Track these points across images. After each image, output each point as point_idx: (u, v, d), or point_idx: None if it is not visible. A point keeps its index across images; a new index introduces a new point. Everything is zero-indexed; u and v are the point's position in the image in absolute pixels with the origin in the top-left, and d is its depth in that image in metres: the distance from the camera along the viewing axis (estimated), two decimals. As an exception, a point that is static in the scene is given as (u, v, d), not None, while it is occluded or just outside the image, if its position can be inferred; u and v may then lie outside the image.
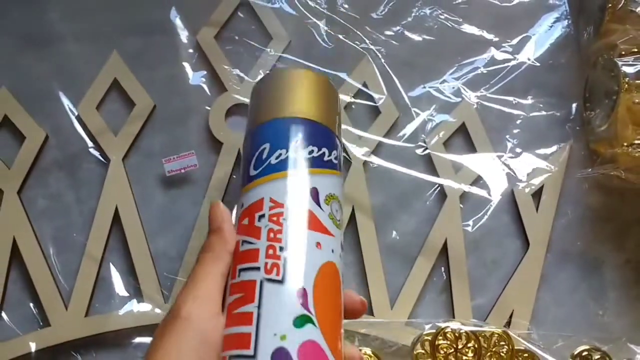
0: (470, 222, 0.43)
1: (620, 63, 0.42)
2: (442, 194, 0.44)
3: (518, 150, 0.45)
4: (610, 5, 0.44)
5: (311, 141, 0.29)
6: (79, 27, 0.47)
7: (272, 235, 0.26)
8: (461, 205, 0.44)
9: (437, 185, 0.44)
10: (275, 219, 0.27)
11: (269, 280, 0.25)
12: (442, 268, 0.43)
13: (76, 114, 0.44)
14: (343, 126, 0.44)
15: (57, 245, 0.41)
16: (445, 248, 0.42)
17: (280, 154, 0.29)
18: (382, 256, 0.42)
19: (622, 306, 0.42)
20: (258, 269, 0.26)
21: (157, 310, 0.40)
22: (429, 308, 0.42)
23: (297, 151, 0.29)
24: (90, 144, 0.44)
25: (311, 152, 0.29)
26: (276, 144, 0.29)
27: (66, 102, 0.45)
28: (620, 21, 0.43)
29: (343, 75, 0.46)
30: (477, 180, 0.44)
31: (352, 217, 0.42)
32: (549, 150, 0.45)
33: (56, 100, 0.45)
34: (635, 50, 0.42)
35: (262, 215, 0.27)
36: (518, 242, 0.43)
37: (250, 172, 0.29)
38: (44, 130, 0.43)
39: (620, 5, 0.43)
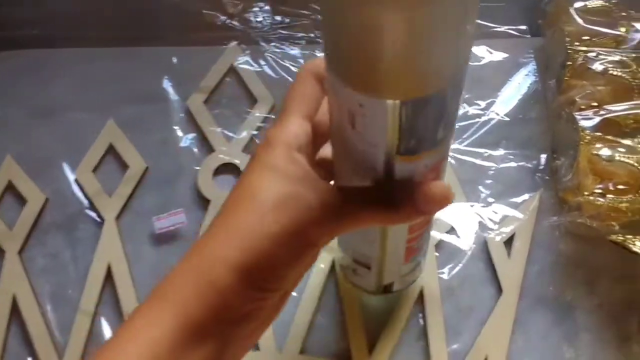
0: (446, 270, 0.45)
1: (578, 117, 0.44)
2: (418, 244, 0.46)
3: (490, 200, 0.47)
4: (569, 62, 0.47)
5: None
6: (80, 98, 0.51)
7: None
8: (436, 254, 0.46)
9: (412, 235, 0.46)
10: None
11: None
12: (420, 315, 0.44)
13: (74, 177, 0.48)
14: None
15: (53, 301, 0.44)
16: (421, 295, 0.44)
17: None
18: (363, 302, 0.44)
19: (595, 349, 0.43)
20: None
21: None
22: (407, 354, 0.43)
23: None
24: (87, 204, 0.47)
25: None
26: None
27: (66, 167, 0.48)
28: (579, 77, 0.46)
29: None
30: (451, 230, 0.47)
31: (333, 269, 0.45)
32: (519, 199, 0.47)
33: (58, 166, 0.48)
34: (594, 104, 0.45)
35: None
36: (492, 288, 0.45)
37: None
38: (44, 194, 0.47)
39: (579, 63, 0.47)
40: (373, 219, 0.28)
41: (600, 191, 0.42)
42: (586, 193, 0.42)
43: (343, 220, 0.27)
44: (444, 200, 0.27)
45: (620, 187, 0.42)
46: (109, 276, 0.44)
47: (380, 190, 0.27)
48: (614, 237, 0.41)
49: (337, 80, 0.23)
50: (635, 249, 0.40)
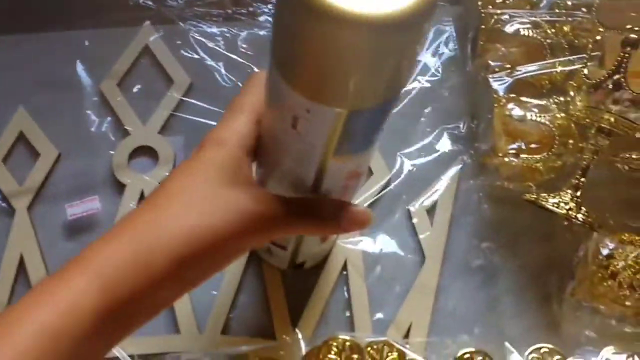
0: (369, 241, 0.45)
1: (492, 80, 0.44)
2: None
3: (412, 168, 0.47)
4: (483, 26, 0.47)
5: None
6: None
7: None
8: (360, 226, 0.45)
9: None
10: None
11: None
12: (344, 287, 0.44)
13: (-18, 168, 0.46)
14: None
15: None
16: (345, 267, 0.44)
17: None
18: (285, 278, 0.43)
19: (517, 310, 0.43)
20: None
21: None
22: (332, 326, 0.43)
23: None
24: (-4, 196, 0.45)
25: None
26: None
27: (-25, 158, 0.46)
28: (493, 41, 0.46)
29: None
30: (375, 201, 0.46)
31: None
32: (442, 167, 0.47)
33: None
34: (507, 66, 0.45)
35: None
36: (416, 257, 0.45)
37: None
38: (-51, 187, 0.45)
39: (492, 26, 0.46)
40: (304, 230, 0.32)
41: (513, 151, 0.42)
42: (500, 154, 0.42)
43: (278, 229, 0.29)
44: (364, 223, 0.31)
45: (533, 146, 0.42)
46: (22, 267, 0.43)
47: (314, 206, 0.30)
48: (528, 196, 0.41)
49: (286, 85, 0.24)
50: (548, 205, 0.40)
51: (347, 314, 0.43)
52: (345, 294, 0.44)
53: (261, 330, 0.42)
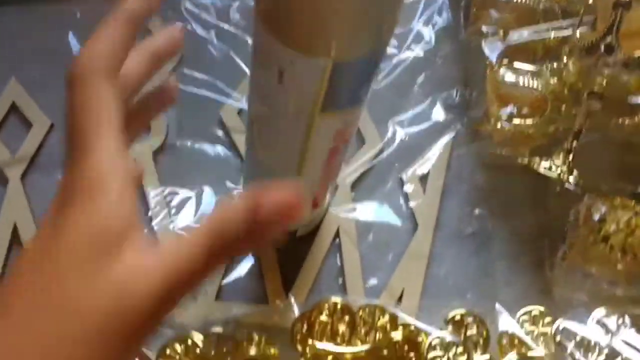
0: (362, 208, 0.45)
1: (485, 46, 0.44)
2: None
3: (405, 136, 0.47)
4: (476, -7, 0.46)
5: None
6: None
7: None
8: (353, 193, 0.45)
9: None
10: None
11: None
12: (337, 253, 0.44)
13: (-25, 138, 0.46)
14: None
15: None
16: (338, 234, 0.44)
17: None
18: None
19: (510, 276, 0.43)
20: None
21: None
22: (325, 292, 0.43)
23: None
24: (-11, 166, 0.45)
25: None
26: None
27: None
28: (485, 7, 0.46)
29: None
30: (368, 170, 0.46)
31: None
32: (434, 135, 0.47)
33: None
34: (499, 32, 0.45)
35: None
36: (409, 224, 0.45)
37: None
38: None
39: (485, -8, 0.46)
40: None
41: (506, 116, 0.42)
42: (493, 120, 0.42)
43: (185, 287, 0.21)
44: (291, 210, 0.21)
45: (525, 111, 0.41)
46: (15, 236, 0.43)
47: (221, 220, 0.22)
48: (520, 160, 0.41)
49: (270, 37, 0.24)
50: (540, 169, 0.40)
51: (340, 280, 0.43)
52: (338, 261, 0.44)
53: (254, 298, 0.42)
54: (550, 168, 0.40)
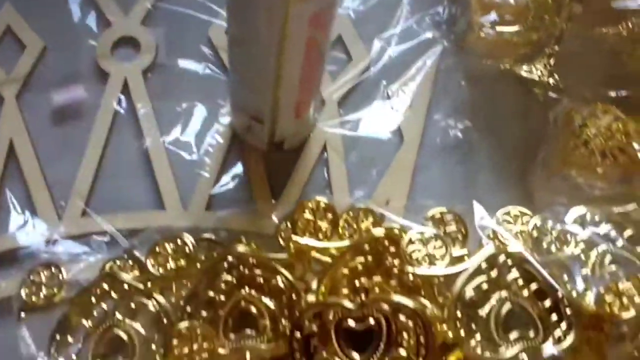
0: (349, 123, 0.46)
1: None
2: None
3: (392, 53, 0.47)
4: None
5: None
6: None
7: None
8: (340, 111, 0.46)
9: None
10: None
11: None
12: (324, 167, 0.45)
13: (-29, 59, 0.47)
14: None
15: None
16: (325, 149, 0.45)
17: None
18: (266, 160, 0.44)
19: (493, 185, 0.44)
20: None
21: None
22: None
23: None
24: (-15, 86, 0.47)
25: None
26: None
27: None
28: None
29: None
30: (355, 86, 0.47)
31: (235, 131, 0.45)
32: (421, 51, 0.47)
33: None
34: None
35: None
36: (395, 138, 0.46)
37: None
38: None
39: None
40: None
41: (489, 24, 0.42)
42: (477, 28, 0.42)
43: None
44: None
45: (508, 18, 0.42)
46: (12, 152, 0.44)
47: None
48: (502, 66, 0.41)
49: None
50: (522, 73, 0.41)
51: (327, 193, 0.44)
52: (325, 175, 0.45)
53: (243, 207, 0.43)
54: (531, 71, 0.40)
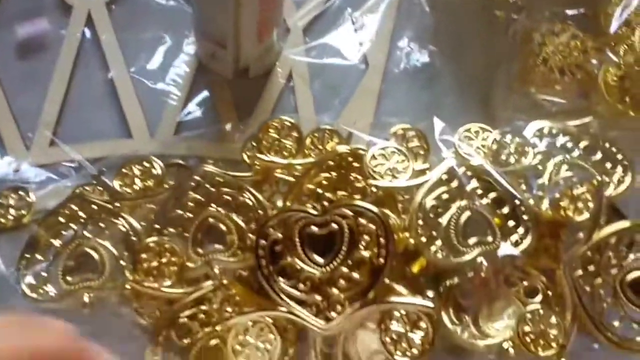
0: (314, 49, 0.46)
1: None
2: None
3: (356, -17, 0.48)
4: None
5: None
6: None
7: None
8: (307, 39, 0.46)
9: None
10: None
11: None
12: (291, 95, 0.45)
13: None
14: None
15: None
16: (291, 76, 0.45)
17: None
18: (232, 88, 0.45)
19: (458, 108, 0.44)
20: None
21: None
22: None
23: None
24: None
25: None
26: None
27: None
28: None
29: None
30: (320, 14, 0.47)
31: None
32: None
33: None
34: None
35: None
36: (361, 65, 0.46)
37: None
38: None
39: None
40: None
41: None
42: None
43: None
44: None
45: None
46: (-22, 86, 0.44)
47: None
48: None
49: None
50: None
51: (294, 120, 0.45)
52: (292, 102, 0.45)
53: (211, 132, 0.44)
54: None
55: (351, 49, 0.46)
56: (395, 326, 0.32)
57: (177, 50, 0.46)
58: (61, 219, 0.37)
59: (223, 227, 0.36)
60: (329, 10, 0.47)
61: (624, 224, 0.35)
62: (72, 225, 0.37)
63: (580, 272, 0.35)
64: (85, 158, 0.42)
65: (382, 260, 0.32)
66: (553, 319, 0.33)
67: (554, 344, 0.33)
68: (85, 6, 0.46)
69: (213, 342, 0.34)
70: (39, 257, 0.36)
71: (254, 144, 0.39)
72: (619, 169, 0.38)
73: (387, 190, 0.37)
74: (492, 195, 0.36)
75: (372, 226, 0.33)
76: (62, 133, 0.43)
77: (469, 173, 0.37)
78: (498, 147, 0.38)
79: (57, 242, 0.36)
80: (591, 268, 0.35)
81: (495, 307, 0.34)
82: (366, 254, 0.32)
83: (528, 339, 0.33)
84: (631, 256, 0.35)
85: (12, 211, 0.37)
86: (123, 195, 0.38)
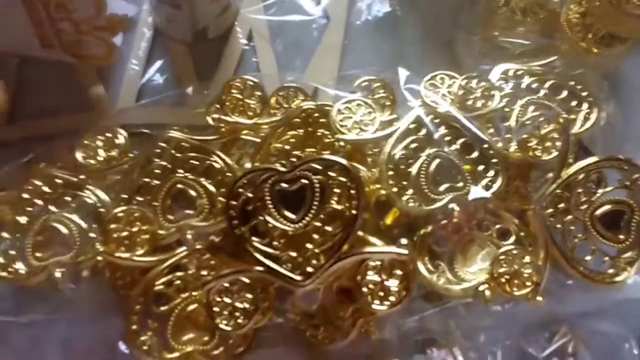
0: (273, 8, 0.45)
1: None
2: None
3: None
4: None
5: None
6: None
7: None
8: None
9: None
10: None
11: None
12: (252, 56, 0.44)
13: None
14: None
15: None
16: (251, 36, 0.44)
17: None
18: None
19: (421, 57, 0.44)
20: None
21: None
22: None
23: None
24: None
25: None
26: None
27: None
28: None
29: None
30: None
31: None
32: None
33: None
34: None
35: None
36: (322, 21, 0.45)
37: None
38: None
39: None
40: None
41: None
42: None
43: None
44: None
45: None
46: None
47: None
48: None
49: None
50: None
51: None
52: (255, 62, 0.44)
53: (174, 101, 0.43)
54: None
55: (311, 4, 0.45)
56: (372, 276, 0.32)
57: (133, 20, 0.44)
58: (25, 195, 0.36)
59: (192, 192, 0.36)
60: (286, -35, 0.46)
61: (591, 160, 0.35)
62: (37, 201, 0.36)
63: (550, 210, 0.35)
64: (48, 133, 0.41)
65: (354, 211, 0.32)
66: (527, 258, 0.33)
67: (528, 283, 0.33)
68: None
69: (191, 307, 0.34)
70: (5, 235, 0.35)
71: (218, 106, 0.38)
72: (585, 106, 0.38)
73: (356, 145, 0.37)
74: (461, 141, 0.36)
75: (343, 179, 0.32)
76: (19, 114, 0.42)
77: (436, 121, 0.37)
78: (464, 93, 0.38)
79: (23, 219, 0.35)
80: (561, 206, 0.35)
81: (469, 252, 0.35)
82: (338, 207, 0.32)
83: (503, 280, 0.33)
84: (600, 191, 0.35)
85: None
86: (87, 167, 0.37)
